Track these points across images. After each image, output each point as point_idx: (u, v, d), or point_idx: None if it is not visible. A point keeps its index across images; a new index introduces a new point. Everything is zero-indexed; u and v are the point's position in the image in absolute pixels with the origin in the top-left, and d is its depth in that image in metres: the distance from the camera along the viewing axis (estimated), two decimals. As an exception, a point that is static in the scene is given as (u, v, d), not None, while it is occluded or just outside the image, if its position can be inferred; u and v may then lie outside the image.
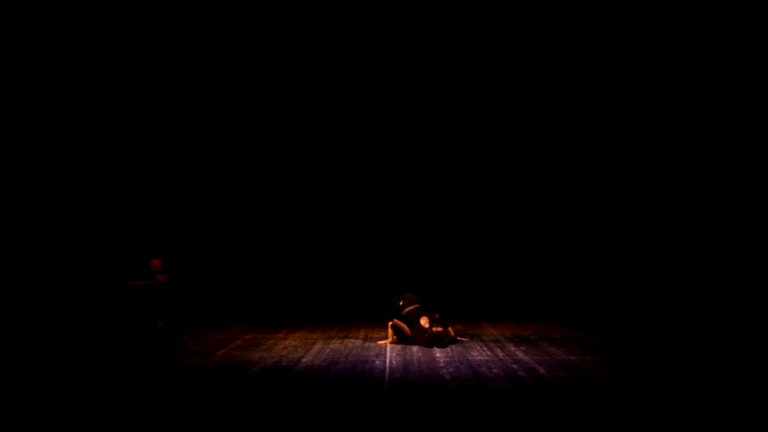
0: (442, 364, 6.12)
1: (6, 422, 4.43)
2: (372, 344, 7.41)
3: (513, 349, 6.95)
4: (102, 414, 4.60)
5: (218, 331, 8.64)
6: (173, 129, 10.53)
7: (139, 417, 4.51)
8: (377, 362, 6.29)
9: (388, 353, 6.79)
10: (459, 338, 7.51)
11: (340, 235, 10.88)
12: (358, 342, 7.61)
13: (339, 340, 7.73)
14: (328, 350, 7.03)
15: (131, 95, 10.25)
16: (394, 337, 7.45)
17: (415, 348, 7.10)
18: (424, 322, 7.31)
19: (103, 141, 10.14)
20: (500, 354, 6.64)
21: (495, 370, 5.77)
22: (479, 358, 6.44)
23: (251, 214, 10.80)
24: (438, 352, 6.79)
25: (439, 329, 7.21)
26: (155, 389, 5.35)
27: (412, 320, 7.37)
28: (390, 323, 7.52)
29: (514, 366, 5.97)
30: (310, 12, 10.24)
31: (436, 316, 7.43)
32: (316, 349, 7.13)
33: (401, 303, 7.60)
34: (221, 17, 10.19)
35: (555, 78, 10.55)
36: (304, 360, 6.46)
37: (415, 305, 7.52)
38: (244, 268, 10.71)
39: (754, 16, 9.41)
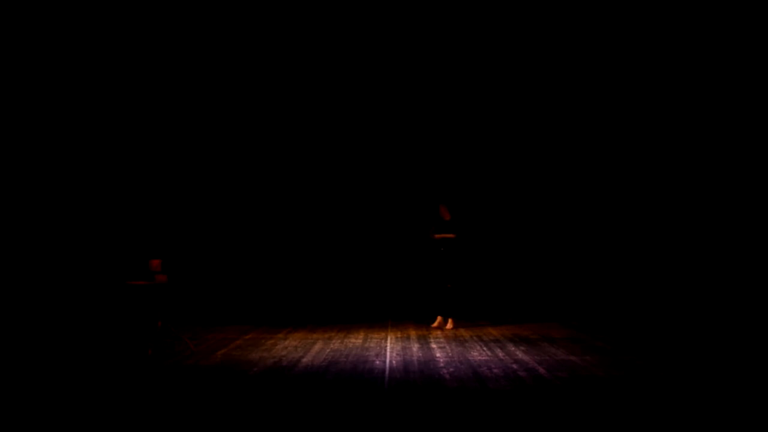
0: (442, 364, 6.12)
1: (6, 422, 4.43)
2: (372, 344, 7.41)
3: (513, 349, 6.95)
4: (102, 414, 4.60)
5: (218, 331, 8.64)
6: (174, 130, 10.53)
7: (140, 417, 4.51)
8: (377, 362, 6.30)
9: (388, 353, 6.79)
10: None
11: (340, 236, 10.89)
12: (358, 342, 7.61)
13: (339, 340, 7.74)
14: (328, 350, 7.03)
15: (132, 96, 10.25)
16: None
17: (415, 348, 7.10)
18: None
19: (104, 141, 10.14)
20: (500, 354, 6.64)
21: (495, 370, 5.77)
22: (479, 358, 6.44)
23: (251, 214, 10.81)
24: (438, 352, 6.79)
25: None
26: (155, 389, 5.35)
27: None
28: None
29: (514, 366, 5.97)
30: (309, 12, 10.24)
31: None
32: (316, 349, 7.13)
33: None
34: (219, 18, 10.19)
35: (553, 78, 10.55)
36: (304, 360, 6.46)
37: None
38: (244, 269, 10.71)
39: (754, 16, 9.42)
